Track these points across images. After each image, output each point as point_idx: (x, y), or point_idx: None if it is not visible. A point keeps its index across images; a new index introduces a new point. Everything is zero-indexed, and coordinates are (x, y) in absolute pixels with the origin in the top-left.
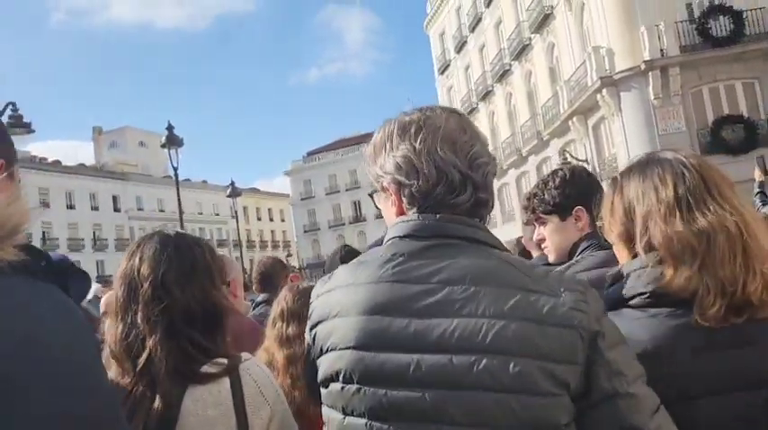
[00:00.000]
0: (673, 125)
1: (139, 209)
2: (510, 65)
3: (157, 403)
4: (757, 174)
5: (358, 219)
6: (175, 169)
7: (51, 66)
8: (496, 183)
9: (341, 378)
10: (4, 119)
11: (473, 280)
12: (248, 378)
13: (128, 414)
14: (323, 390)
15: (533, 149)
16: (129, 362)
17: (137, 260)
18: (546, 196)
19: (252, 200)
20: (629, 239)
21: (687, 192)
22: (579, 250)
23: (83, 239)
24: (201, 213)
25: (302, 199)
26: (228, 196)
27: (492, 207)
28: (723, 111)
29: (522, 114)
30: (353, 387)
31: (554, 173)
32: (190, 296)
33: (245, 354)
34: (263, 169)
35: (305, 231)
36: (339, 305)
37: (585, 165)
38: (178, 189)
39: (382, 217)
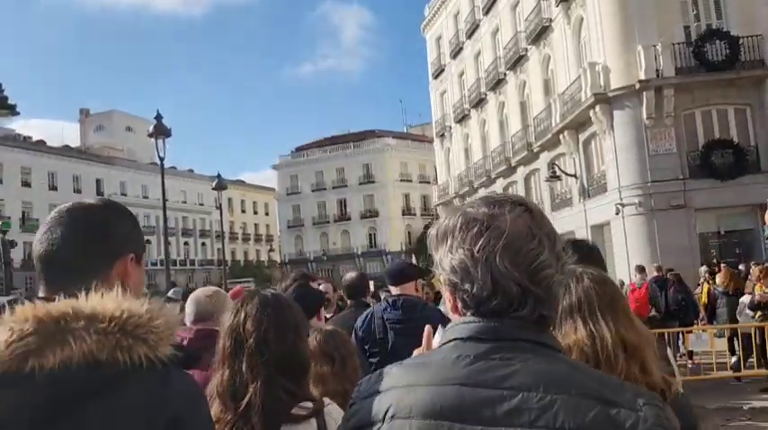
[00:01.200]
0: (663, 146)
1: (123, 194)
2: (505, 74)
3: None
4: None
5: (343, 217)
6: (162, 159)
7: (42, 45)
8: (484, 192)
9: None
10: None
11: (547, 387)
12: (330, 418)
13: None
14: None
15: (523, 160)
16: (231, 402)
17: (242, 317)
18: None
19: (237, 191)
20: None
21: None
22: None
23: None
24: (186, 202)
25: (288, 194)
26: (214, 189)
27: (554, 319)
28: (714, 135)
29: (513, 124)
30: None
31: (567, 245)
32: (284, 349)
33: (326, 399)
34: (251, 162)
35: (289, 227)
36: (397, 407)
37: (574, 179)
38: (163, 179)
39: (367, 217)
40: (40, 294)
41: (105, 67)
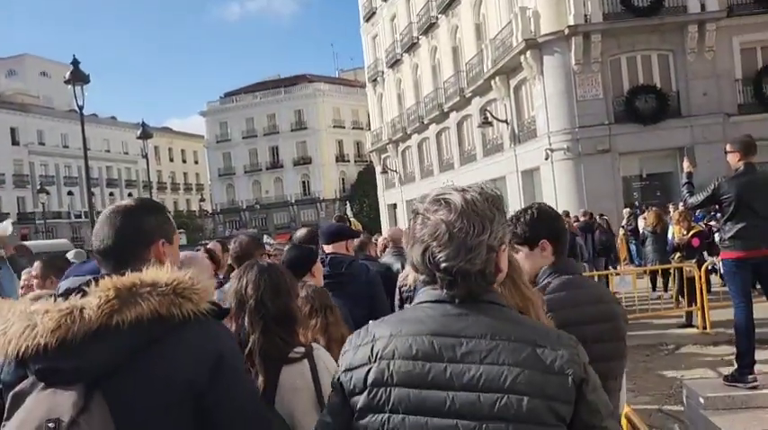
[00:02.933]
0: (591, 92)
1: (41, 143)
2: (437, 18)
3: (260, 378)
4: (686, 166)
5: (275, 165)
6: (81, 107)
7: None
8: (417, 138)
9: (387, 409)
10: None
11: (493, 335)
12: (320, 360)
13: None
14: (357, 422)
15: (455, 106)
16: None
17: (243, 283)
18: (518, 230)
19: (164, 140)
20: None
21: None
22: (541, 275)
23: None
24: (109, 151)
25: (218, 141)
26: (139, 137)
27: (493, 276)
28: (638, 80)
29: (446, 70)
30: (399, 417)
31: (525, 210)
32: (278, 308)
33: (314, 345)
34: (177, 107)
35: (219, 175)
36: (384, 351)
37: (505, 125)
38: (83, 128)
39: (300, 164)
40: (103, 273)
41: (14, 7)
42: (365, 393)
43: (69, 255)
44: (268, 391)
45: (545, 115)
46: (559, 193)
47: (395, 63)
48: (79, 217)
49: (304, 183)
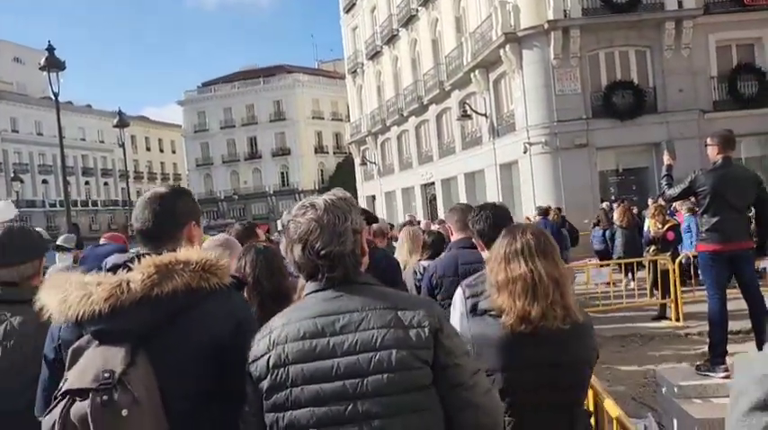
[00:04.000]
0: (569, 86)
1: (14, 131)
2: (417, 10)
3: None
4: (666, 159)
5: (253, 155)
6: (56, 95)
7: None
8: (396, 130)
9: (288, 385)
10: None
11: (363, 307)
12: None
13: None
14: (266, 402)
15: (435, 99)
16: None
17: (243, 263)
18: (481, 226)
19: (141, 128)
20: None
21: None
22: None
23: None
24: (85, 139)
25: (195, 131)
26: (115, 126)
27: (361, 256)
28: (616, 76)
29: (425, 62)
30: (298, 389)
31: (482, 210)
32: (272, 285)
33: None
34: (154, 96)
35: (197, 165)
36: (278, 338)
37: (484, 118)
38: (59, 115)
39: (279, 155)
40: (142, 252)
41: None
42: (268, 376)
43: (59, 240)
44: None
45: (524, 109)
46: (537, 187)
47: (375, 55)
48: (54, 206)
49: (283, 173)
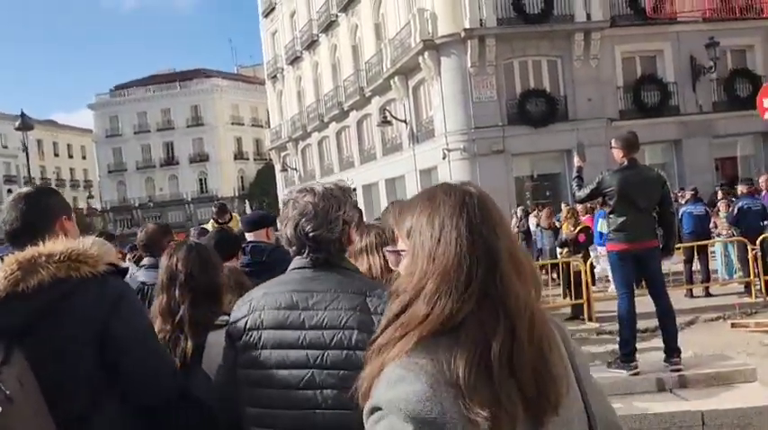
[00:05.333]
0: (486, 94)
1: None
2: (337, 16)
3: (189, 342)
4: (577, 161)
5: (170, 162)
6: None
7: None
8: (317, 136)
9: (259, 347)
10: None
11: (336, 289)
12: None
13: (168, 348)
14: (239, 359)
15: (355, 105)
16: (169, 318)
17: (174, 260)
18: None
19: (48, 133)
20: None
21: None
22: None
23: None
24: None
25: (107, 136)
26: (18, 129)
27: (346, 245)
28: (530, 84)
29: (346, 68)
30: (267, 351)
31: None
32: (205, 281)
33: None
34: (63, 101)
35: (109, 171)
36: (257, 305)
37: (404, 124)
38: None
39: (197, 161)
40: (12, 250)
41: None
42: (244, 336)
43: None
44: (196, 353)
45: (442, 115)
46: None
47: (294, 60)
48: None
49: (201, 180)
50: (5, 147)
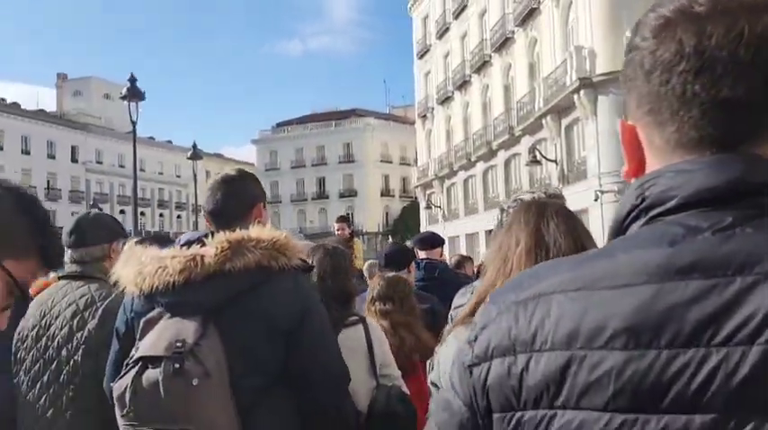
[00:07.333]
0: None
1: (98, 162)
2: (490, 56)
3: None
4: None
5: (321, 196)
6: (134, 122)
7: (16, 4)
8: (463, 175)
9: None
10: None
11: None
12: (371, 326)
13: None
14: None
15: (504, 144)
16: None
17: (310, 260)
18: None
19: (215, 164)
20: None
21: None
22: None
23: (35, 187)
24: (162, 173)
25: (267, 169)
26: (189, 158)
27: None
28: None
29: (496, 107)
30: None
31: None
32: (336, 283)
33: (367, 317)
34: (232, 137)
35: (267, 202)
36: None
37: (554, 164)
38: (135, 143)
39: (345, 196)
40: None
41: (85, 34)
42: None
43: None
44: None
45: (596, 156)
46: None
47: (445, 100)
48: (129, 235)
49: (349, 215)
50: (179, 176)
